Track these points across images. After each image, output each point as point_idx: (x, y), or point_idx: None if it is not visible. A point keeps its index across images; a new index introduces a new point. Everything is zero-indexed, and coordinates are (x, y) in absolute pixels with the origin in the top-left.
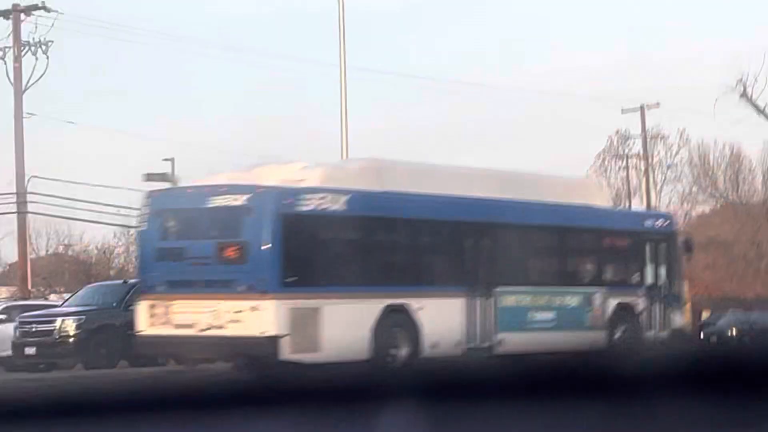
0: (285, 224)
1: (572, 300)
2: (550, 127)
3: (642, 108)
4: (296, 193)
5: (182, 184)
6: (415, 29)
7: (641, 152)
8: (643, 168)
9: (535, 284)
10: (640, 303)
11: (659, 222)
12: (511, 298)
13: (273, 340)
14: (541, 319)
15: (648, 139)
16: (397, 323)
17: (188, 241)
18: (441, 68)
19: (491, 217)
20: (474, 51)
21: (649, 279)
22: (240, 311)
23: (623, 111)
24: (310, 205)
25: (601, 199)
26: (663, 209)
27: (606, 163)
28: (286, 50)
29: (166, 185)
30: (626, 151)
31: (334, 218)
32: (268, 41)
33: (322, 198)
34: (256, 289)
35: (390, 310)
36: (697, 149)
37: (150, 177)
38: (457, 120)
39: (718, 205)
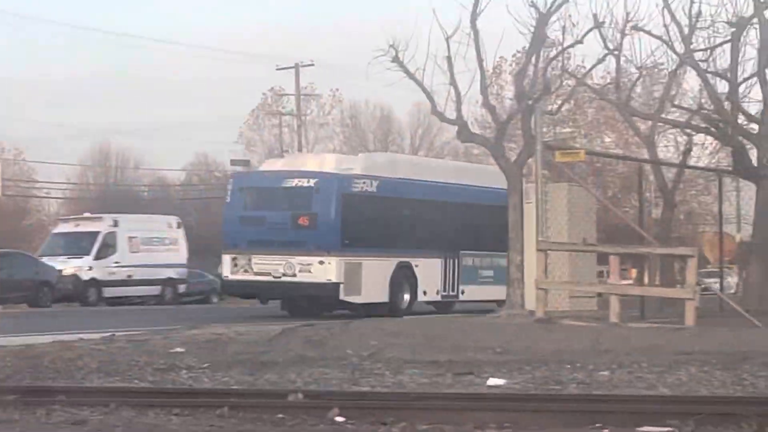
0: (343, 201)
1: (502, 262)
2: (206, 84)
3: (297, 66)
4: (349, 178)
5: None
6: None
7: (295, 110)
8: (296, 125)
9: (482, 250)
10: None
11: None
12: (469, 259)
13: (336, 285)
14: (486, 275)
15: (301, 98)
16: (404, 276)
17: (267, 212)
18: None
19: (460, 198)
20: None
21: None
22: (310, 264)
23: (278, 68)
24: (357, 187)
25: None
26: None
27: (260, 120)
28: None
29: (245, 168)
30: (280, 108)
31: (370, 198)
32: None
33: (364, 182)
34: (323, 248)
35: (400, 266)
36: (349, 109)
37: (234, 162)
38: (114, 75)
39: None
